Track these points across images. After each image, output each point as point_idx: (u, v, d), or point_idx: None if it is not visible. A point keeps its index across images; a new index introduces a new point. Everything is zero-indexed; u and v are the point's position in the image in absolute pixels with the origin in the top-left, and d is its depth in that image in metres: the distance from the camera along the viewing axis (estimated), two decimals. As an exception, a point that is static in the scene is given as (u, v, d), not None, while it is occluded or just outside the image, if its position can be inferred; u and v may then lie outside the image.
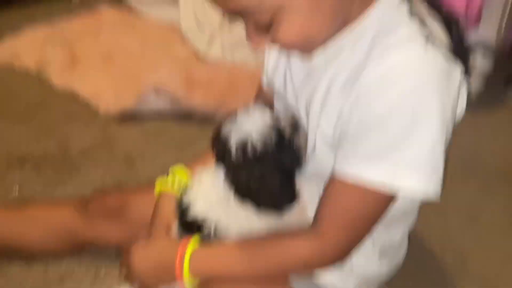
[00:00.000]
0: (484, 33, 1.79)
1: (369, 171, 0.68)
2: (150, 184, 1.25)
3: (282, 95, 0.88)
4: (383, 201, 0.73)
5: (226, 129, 0.79)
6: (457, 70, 0.69)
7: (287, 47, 0.72)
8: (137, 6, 2.53)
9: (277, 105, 0.93)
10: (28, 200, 1.34)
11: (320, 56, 0.76)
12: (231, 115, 0.81)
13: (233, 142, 0.77)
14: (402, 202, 0.77)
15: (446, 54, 0.67)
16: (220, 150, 0.81)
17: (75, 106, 1.84)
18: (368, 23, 0.70)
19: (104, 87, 1.85)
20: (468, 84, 0.72)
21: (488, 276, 1.13)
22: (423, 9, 0.70)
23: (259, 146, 0.75)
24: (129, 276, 0.89)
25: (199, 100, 1.71)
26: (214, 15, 2.17)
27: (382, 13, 0.70)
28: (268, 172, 0.76)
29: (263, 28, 0.67)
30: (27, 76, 2.05)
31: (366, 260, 0.87)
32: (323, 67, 0.76)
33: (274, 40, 0.69)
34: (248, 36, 0.70)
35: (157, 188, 0.96)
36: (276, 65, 0.89)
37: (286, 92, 0.86)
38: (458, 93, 0.71)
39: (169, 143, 1.63)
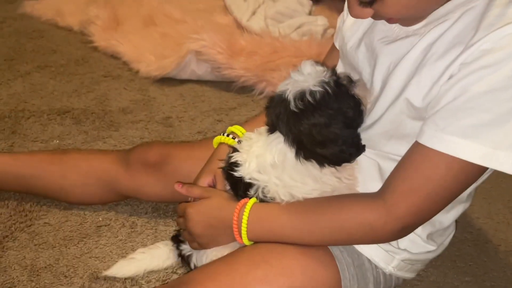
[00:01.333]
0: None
1: (466, 146, 0.65)
2: (190, 143, 1.26)
3: (351, 56, 0.86)
4: (471, 176, 0.70)
5: (281, 87, 0.78)
6: None
7: (394, 16, 0.71)
8: (181, -26, 2.51)
9: (342, 66, 0.92)
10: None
11: (419, 23, 0.74)
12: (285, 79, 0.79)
13: (291, 94, 0.75)
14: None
15: None
16: (276, 109, 0.78)
17: (116, 66, 1.85)
18: None
19: (145, 50, 1.85)
20: None
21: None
22: None
23: (318, 93, 0.73)
24: (185, 233, 0.88)
25: (240, 69, 1.69)
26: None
27: None
28: (332, 117, 0.74)
29: (369, 2, 0.67)
30: (70, 34, 2.07)
31: (413, 240, 0.84)
32: (421, 32, 0.73)
33: (379, 13, 0.69)
34: (350, 8, 0.70)
35: (216, 141, 0.96)
36: (354, 23, 0.87)
37: (357, 53, 0.85)
38: None
39: (207, 109, 1.62)
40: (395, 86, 0.76)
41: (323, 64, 0.78)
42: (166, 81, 1.74)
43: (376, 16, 0.71)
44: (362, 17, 0.71)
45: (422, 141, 0.70)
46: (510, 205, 1.26)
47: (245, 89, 1.70)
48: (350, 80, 0.78)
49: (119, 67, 1.84)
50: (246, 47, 1.73)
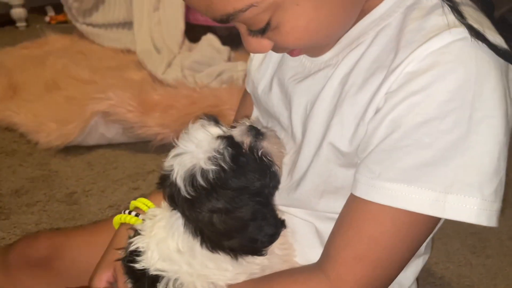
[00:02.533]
0: None
1: (411, 194, 0.52)
2: (91, 225, 1.04)
3: (265, 101, 0.74)
4: (424, 229, 0.56)
5: (168, 164, 0.61)
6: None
7: (295, 46, 0.59)
8: (88, 32, 2.36)
9: (258, 112, 0.79)
10: None
11: (329, 51, 0.62)
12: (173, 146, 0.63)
13: (179, 177, 0.58)
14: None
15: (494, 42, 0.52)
16: (169, 191, 0.62)
17: (11, 140, 1.61)
18: (393, 6, 0.57)
19: (46, 117, 1.63)
20: None
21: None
22: None
23: (211, 172, 0.56)
24: None
25: (155, 126, 1.51)
26: (172, 37, 2.03)
27: None
28: (234, 199, 0.57)
29: (259, 31, 0.54)
30: (-44, 109, 1.79)
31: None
32: (334, 62, 0.62)
33: (278, 42, 0.56)
34: (246, 42, 0.57)
35: (116, 222, 0.76)
36: (261, 64, 0.75)
37: (270, 97, 0.72)
38: None
39: (120, 176, 1.41)
40: (316, 130, 0.62)
41: (217, 121, 0.62)
42: (71, 150, 1.52)
43: (276, 48, 0.58)
44: (261, 51, 0.57)
45: (358, 193, 0.55)
46: (468, 243, 1.13)
47: (164, 148, 1.52)
48: (257, 133, 0.62)
49: (14, 140, 1.60)
50: (160, 102, 1.56)
